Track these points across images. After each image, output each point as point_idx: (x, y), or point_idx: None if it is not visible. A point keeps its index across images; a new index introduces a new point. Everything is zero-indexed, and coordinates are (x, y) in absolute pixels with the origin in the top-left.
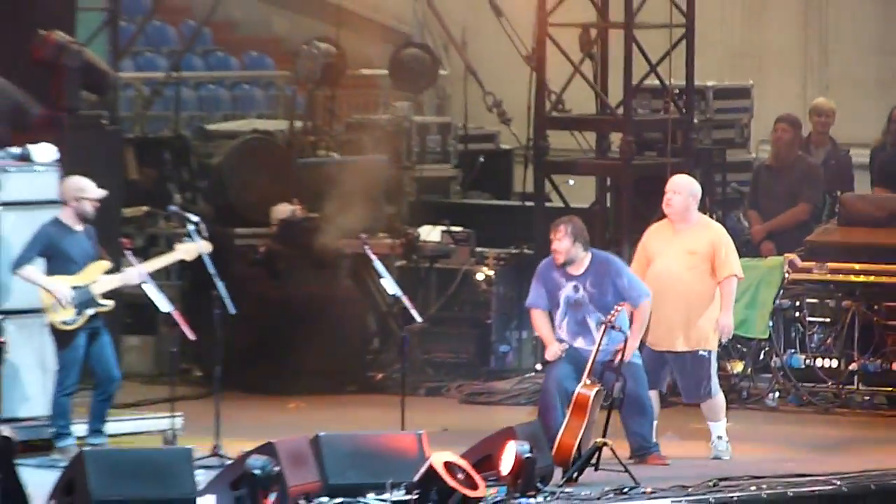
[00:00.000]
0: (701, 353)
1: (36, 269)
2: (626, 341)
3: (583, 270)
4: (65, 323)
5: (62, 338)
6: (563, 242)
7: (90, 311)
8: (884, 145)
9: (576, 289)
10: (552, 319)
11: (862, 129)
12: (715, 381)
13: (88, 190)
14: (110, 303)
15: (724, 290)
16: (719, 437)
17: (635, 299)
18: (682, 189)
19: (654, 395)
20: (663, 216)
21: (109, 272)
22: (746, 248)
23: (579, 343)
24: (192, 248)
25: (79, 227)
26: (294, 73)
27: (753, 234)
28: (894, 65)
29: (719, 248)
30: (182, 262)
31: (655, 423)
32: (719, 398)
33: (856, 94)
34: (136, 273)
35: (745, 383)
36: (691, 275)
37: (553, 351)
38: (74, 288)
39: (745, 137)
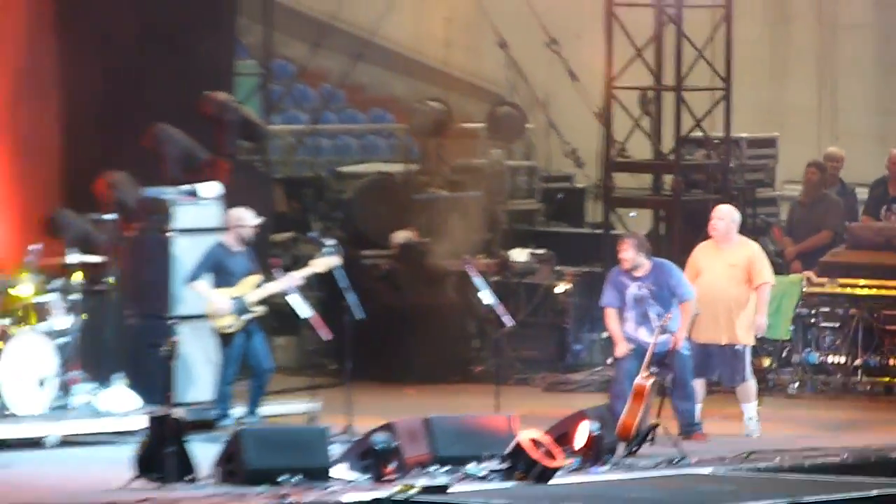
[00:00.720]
0: (738, 346)
1: (204, 283)
2: (674, 337)
3: (645, 273)
4: (225, 327)
5: (224, 338)
6: (628, 252)
7: (246, 317)
8: (879, 181)
9: (640, 287)
10: (621, 315)
11: (865, 173)
12: (749, 369)
13: (247, 219)
14: (262, 309)
15: (760, 295)
16: (751, 418)
17: (682, 296)
18: (726, 216)
19: (700, 383)
20: (708, 238)
21: (261, 284)
22: (774, 267)
23: (642, 333)
24: (325, 262)
25: (239, 249)
26: (410, 126)
27: (787, 255)
28: (891, 121)
29: (755, 261)
30: (320, 276)
31: (700, 406)
32: (752, 384)
33: (860, 145)
34: (284, 284)
35: (771, 375)
36: (732, 284)
37: (622, 349)
38: (233, 298)
39: (771, 178)
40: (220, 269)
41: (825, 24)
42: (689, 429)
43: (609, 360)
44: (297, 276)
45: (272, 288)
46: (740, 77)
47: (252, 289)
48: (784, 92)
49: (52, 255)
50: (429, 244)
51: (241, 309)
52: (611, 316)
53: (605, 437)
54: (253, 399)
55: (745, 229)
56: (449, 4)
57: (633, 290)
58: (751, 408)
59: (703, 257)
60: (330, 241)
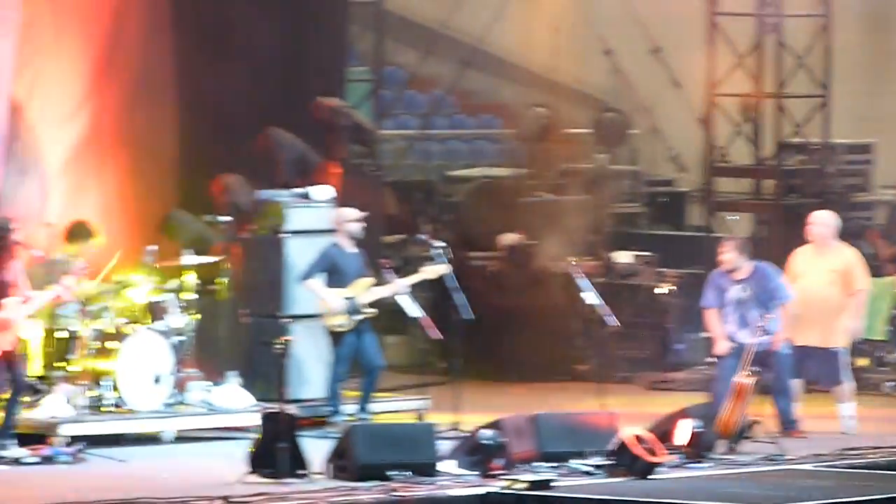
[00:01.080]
0: (835, 349)
1: (318, 282)
2: (774, 338)
3: (746, 276)
4: (337, 326)
5: (335, 337)
6: (729, 254)
7: (357, 317)
8: None
9: (740, 290)
10: (722, 317)
11: None
12: (845, 370)
13: (348, 213)
14: (373, 310)
15: (856, 300)
16: (848, 417)
17: (782, 298)
18: (824, 221)
19: (797, 383)
20: (806, 242)
21: (373, 286)
22: (870, 269)
23: (742, 334)
24: (435, 269)
25: (352, 250)
26: (517, 131)
27: (883, 258)
28: None
29: (852, 267)
30: (429, 280)
31: (797, 404)
32: (849, 384)
33: None
34: (394, 288)
35: (867, 375)
36: (830, 288)
37: (722, 347)
38: (346, 299)
39: (867, 183)
40: (333, 270)
41: None
42: (787, 426)
43: (710, 359)
44: (407, 282)
45: (383, 291)
46: (839, 84)
47: (364, 290)
48: (881, 99)
49: (167, 255)
50: (535, 246)
51: (354, 309)
52: (711, 316)
53: (706, 434)
54: (364, 396)
55: (841, 233)
56: (555, 13)
57: (733, 292)
58: (848, 407)
59: (802, 261)
60: (439, 244)
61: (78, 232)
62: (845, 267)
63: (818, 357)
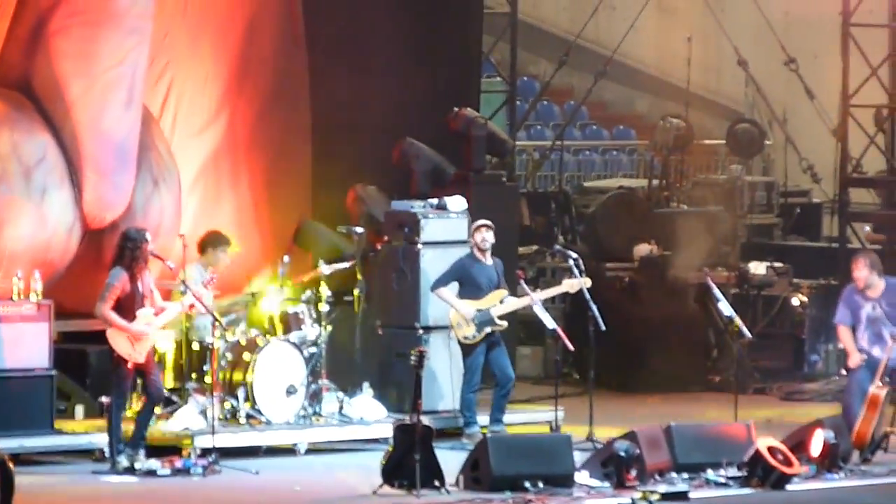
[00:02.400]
0: None
1: (448, 292)
2: None
3: (879, 294)
4: (466, 338)
5: (466, 348)
6: (862, 272)
7: (488, 329)
8: None
9: (874, 308)
10: (854, 333)
11: None
12: None
13: (482, 230)
14: (504, 323)
15: None
16: None
17: None
18: None
19: None
20: None
21: (507, 298)
22: None
23: (876, 351)
24: (576, 283)
25: (488, 261)
26: (652, 142)
27: None
28: None
29: None
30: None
31: None
32: None
33: None
34: (531, 300)
35: None
36: None
37: (855, 360)
38: (478, 310)
39: None
40: (466, 280)
41: None
42: None
43: (843, 372)
44: (544, 295)
45: (518, 304)
46: None
47: (497, 302)
48: None
49: (301, 266)
50: (669, 257)
51: (485, 321)
52: (844, 332)
53: (841, 445)
54: (498, 407)
55: None
56: (690, 24)
57: (867, 309)
58: None
59: None
60: (573, 255)
61: (213, 240)
62: None
63: None
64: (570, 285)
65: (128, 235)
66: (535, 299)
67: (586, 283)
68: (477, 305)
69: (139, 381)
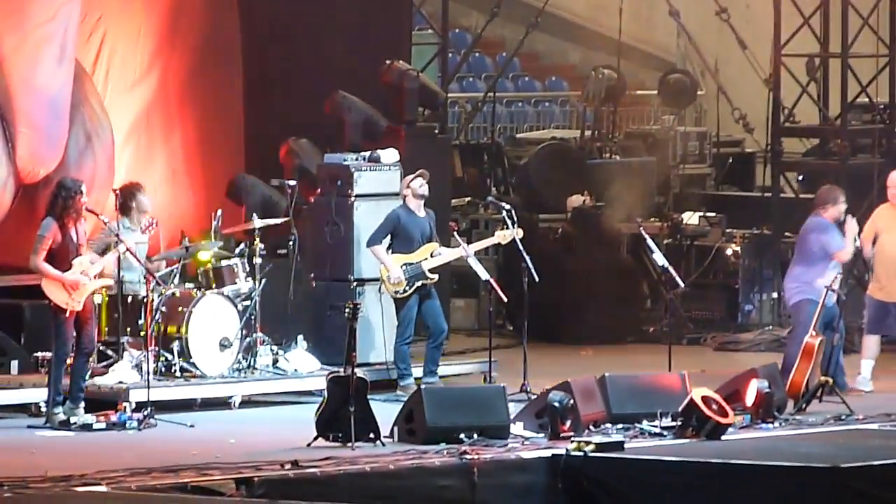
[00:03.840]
0: None
1: (382, 249)
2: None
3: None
4: (397, 292)
5: (398, 302)
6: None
7: (419, 283)
8: None
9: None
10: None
11: None
12: None
13: (414, 182)
14: (435, 276)
15: None
16: None
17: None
18: None
19: (874, 340)
20: (873, 202)
21: (439, 250)
22: None
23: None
24: (508, 234)
25: (421, 213)
26: (584, 93)
27: None
28: None
29: None
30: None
31: (873, 362)
32: None
33: None
34: (463, 251)
35: None
36: None
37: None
38: (407, 265)
39: None
40: (400, 233)
41: None
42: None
43: (793, 298)
44: (477, 246)
45: (450, 255)
46: None
47: (428, 255)
48: None
49: (236, 220)
50: (602, 208)
51: (415, 276)
52: (844, 253)
53: (775, 395)
54: (431, 359)
55: None
56: None
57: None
58: None
59: (882, 220)
60: (506, 206)
61: (127, 192)
62: None
63: None
64: (502, 236)
65: (62, 184)
66: (467, 251)
67: (518, 234)
68: (407, 259)
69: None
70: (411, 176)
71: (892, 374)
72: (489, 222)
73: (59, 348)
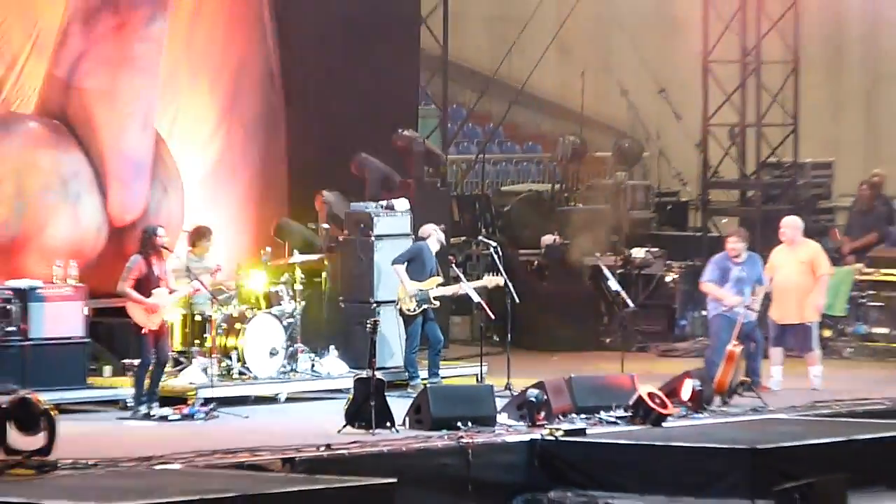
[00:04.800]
0: (808, 323)
1: (402, 269)
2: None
3: (743, 260)
4: (409, 310)
5: (407, 319)
6: (739, 243)
7: (425, 306)
8: None
9: (740, 271)
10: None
11: None
12: (816, 340)
13: (438, 227)
14: (437, 303)
15: (821, 283)
16: (816, 376)
17: (762, 282)
18: (792, 224)
19: (779, 351)
20: (780, 242)
21: (440, 285)
22: (832, 260)
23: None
24: (494, 280)
25: (433, 252)
26: (554, 155)
27: (843, 251)
28: None
29: (817, 257)
30: (486, 270)
31: (780, 367)
32: (818, 350)
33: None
34: (458, 289)
35: (832, 343)
36: (802, 276)
37: (732, 300)
38: (420, 290)
39: (829, 193)
40: (417, 261)
41: (870, 74)
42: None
43: (710, 317)
44: (470, 286)
45: (448, 291)
46: (806, 115)
47: (435, 286)
48: (839, 126)
49: (280, 255)
50: (569, 245)
51: (424, 299)
52: (712, 286)
53: (705, 392)
54: (433, 364)
55: (809, 232)
56: (584, 62)
57: (735, 272)
58: (817, 369)
59: (778, 257)
60: (493, 244)
61: (198, 234)
62: (812, 258)
63: (795, 330)
64: (489, 281)
65: (145, 229)
66: (463, 287)
67: (501, 280)
68: (420, 286)
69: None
70: (436, 227)
71: (797, 376)
72: (480, 256)
73: (142, 358)
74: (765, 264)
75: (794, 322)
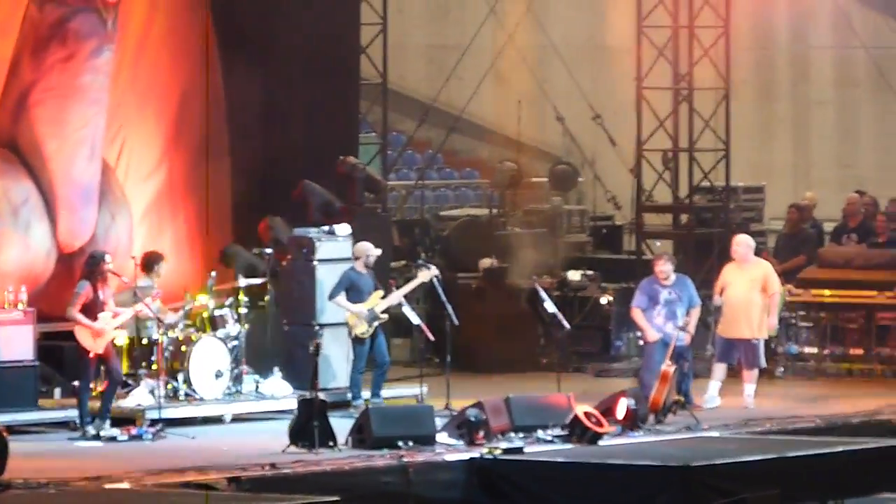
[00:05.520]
0: (755, 340)
1: (343, 298)
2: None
3: (672, 283)
4: (363, 333)
5: (359, 341)
6: (666, 265)
7: (376, 324)
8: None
9: (669, 293)
10: (651, 313)
11: (830, 212)
12: (762, 357)
13: (370, 249)
14: (386, 316)
15: (773, 301)
16: (749, 395)
17: (695, 303)
18: (743, 242)
19: (721, 367)
20: (725, 261)
21: (382, 297)
22: None
23: (668, 327)
24: (427, 273)
25: (365, 272)
26: (492, 180)
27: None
28: (848, 174)
29: (768, 275)
30: (426, 292)
31: (720, 384)
32: (758, 370)
33: (826, 191)
34: (400, 296)
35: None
36: (752, 294)
37: (652, 335)
38: (367, 311)
39: (760, 216)
40: (352, 288)
41: (800, 101)
42: (688, 401)
43: (641, 343)
44: (407, 288)
45: (391, 300)
46: (737, 141)
47: (377, 302)
48: (769, 151)
49: (225, 279)
50: (506, 268)
51: (373, 317)
52: (638, 314)
53: (640, 410)
54: (377, 384)
55: None
56: (520, 90)
57: (664, 294)
58: (750, 387)
59: (729, 274)
60: (433, 267)
61: (151, 259)
62: (763, 276)
63: (743, 347)
64: (423, 276)
65: (92, 256)
66: (402, 300)
67: (434, 271)
68: (366, 307)
69: (102, 367)
70: (370, 249)
71: (732, 395)
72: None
73: (84, 381)
74: (698, 286)
75: (744, 338)
